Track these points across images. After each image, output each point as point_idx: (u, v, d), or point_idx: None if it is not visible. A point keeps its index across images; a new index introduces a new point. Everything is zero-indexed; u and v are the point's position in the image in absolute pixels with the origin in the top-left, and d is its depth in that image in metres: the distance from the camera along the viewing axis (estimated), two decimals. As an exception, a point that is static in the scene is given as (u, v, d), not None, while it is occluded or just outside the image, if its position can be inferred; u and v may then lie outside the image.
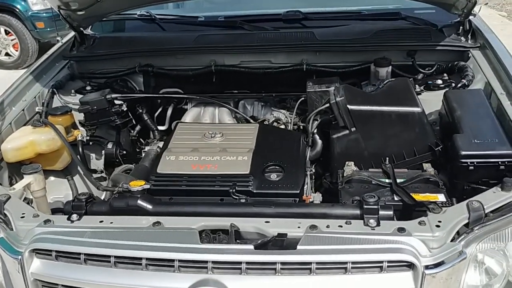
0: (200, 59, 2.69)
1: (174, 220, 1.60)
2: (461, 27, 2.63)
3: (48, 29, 8.10)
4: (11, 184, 2.18)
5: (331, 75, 2.53)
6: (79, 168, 2.47)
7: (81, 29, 2.85)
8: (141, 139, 2.73)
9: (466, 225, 1.52)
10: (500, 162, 1.79)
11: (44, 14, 7.91)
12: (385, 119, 2.02)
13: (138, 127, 2.71)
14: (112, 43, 2.88)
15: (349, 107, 2.03)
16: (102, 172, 2.44)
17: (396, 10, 2.78)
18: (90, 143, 2.48)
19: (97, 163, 2.50)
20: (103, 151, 2.43)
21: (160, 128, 2.71)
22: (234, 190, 1.81)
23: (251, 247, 1.47)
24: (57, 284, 1.60)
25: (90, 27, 2.98)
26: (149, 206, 1.69)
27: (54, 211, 2.07)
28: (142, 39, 2.86)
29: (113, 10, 2.77)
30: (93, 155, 2.53)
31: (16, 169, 2.24)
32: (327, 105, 2.08)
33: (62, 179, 2.41)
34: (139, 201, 1.69)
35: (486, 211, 1.54)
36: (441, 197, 1.75)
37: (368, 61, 2.55)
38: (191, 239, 1.51)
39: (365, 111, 2.04)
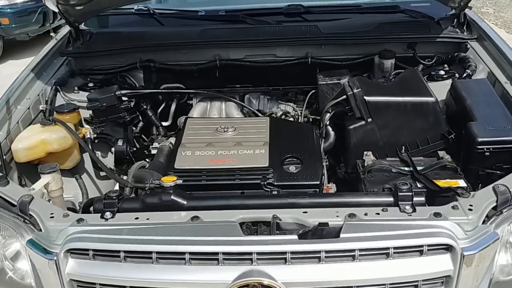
0: (204, 54, 2.68)
1: (211, 214, 1.60)
2: (455, 20, 2.73)
3: (13, 25, 7.84)
4: (20, 185, 2.12)
5: (336, 68, 2.58)
6: (88, 166, 2.44)
7: (77, 24, 2.79)
8: (143, 136, 2.70)
9: (494, 208, 1.60)
10: (514, 148, 1.89)
11: (9, 10, 7.65)
12: (401, 109, 2.09)
13: (140, 124, 2.67)
14: (110, 38, 2.82)
15: (366, 98, 2.08)
16: (111, 169, 2.40)
17: (394, 3, 2.85)
18: (96, 141, 2.44)
19: (103, 161, 2.45)
20: (112, 149, 2.40)
21: (164, 124, 2.69)
22: (265, 183, 1.83)
23: (295, 237, 1.49)
24: (94, 284, 1.58)
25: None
26: (183, 201, 1.68)
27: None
28: (142, 34, 2.81)
29: (111, 4, 2.73)
30: (98, 153, 2.49)
31: (25, 169, 2.18)
32: (344, 96, 2.12)
33: (69, 178, 2.36)
34: (173, 197, 1.68)
35: (512, 194, 1.62)
36: (461, 183, 1.82)
37: (371, 53, 2.61)
38: (233, 231, 1.52)
39: (381, 102, 2.09)
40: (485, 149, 1.90)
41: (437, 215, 1.53)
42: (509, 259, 1.64)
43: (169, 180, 1.71)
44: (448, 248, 1.50)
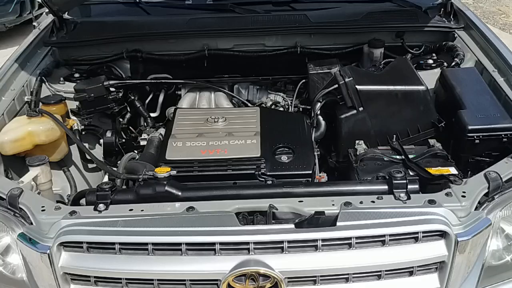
0: (192, 43, 2.64)
1: (207, 205, 1.59)
2: (442, 9, 2.75)
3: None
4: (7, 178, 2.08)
5: (325, 57, 2.58)
6: (76, 159, 2.41)
7: (61, 13, 2.72)
8: (130, 127, 2.66)
9: (485, 194, 1.62)
10: (503, 135, 1.92)
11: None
12: (392, 98, 2.10)
13: (128, 115, 2.64)
14: (96, 28, 2.76)
15: (358, 87, 2.08)
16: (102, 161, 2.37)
17: (382, -8, 2.86)
18: (83, 132, 2.40)
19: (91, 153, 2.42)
20: (100, 140, 2.36)
21: (152, 115, 2.66)
22: (259, 173, 1.82)
23: (292, 226, 1.49)
24: (89, 276, 1.56)
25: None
26: (178, 192, 1.67)
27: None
28: (128, 23, 2.76)
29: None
30: (86, 145, 2.44)
31: (11, 162, 2.13)
32: (335, 86, 2.12)
33: (57, 171, 2.32)
34: (167, 187, 1.66)
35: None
36: (452, 170, 1.84)
37: (360, 42, 2.62)
38: (229, 222, 1.51)
39: (373, 91, 2.10)
40: (475, 136, 1.92)
41: (431, 202, 1.55)
42: (500, 244, 1.67)
43: (162, 171, 1.69)
44: (442, 234, 1.52)
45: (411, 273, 1.54)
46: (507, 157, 1.75)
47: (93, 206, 1.61)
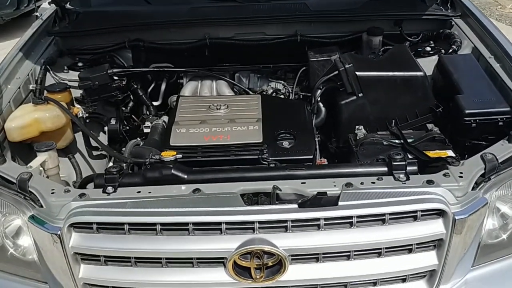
0: (193, 32, 2.68)
1: (212, 187, 1.64)
2: (439, -3, 2.80)
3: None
4: (14, 165, 2.12)
5: (325, 45, 2.62)
6: (80, 146, 2.45)
7: (63, 3, 2.76)
8: (133, 116, 2.70)
9: (482, 175, 1.67)
10: (499, 119, 1.97)
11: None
12: (391, 84, 2.14)
13: (131, 104, 2.67)
14: (98, 17, 2.81)
15: (358, 73, 2.13)
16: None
17: (381, -19, 2.89)
18: (88, 120, 2.44)
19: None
20: (105, 128, 2.40)
21: (154, 103, 2.69)
22: (262, 156, 1.86)
23: (295, 206, 1.54)
24: (99, 256, 1.61)
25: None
26: (183, 175, 1.71)
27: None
28: (129, 13, 2.80)
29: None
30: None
31: (18, 149, 2.18)
32: (336, 72, 2.16)
33: (62, 158, 2.36)
34: (173, 171, 1.70)
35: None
36: (450, 153, 1.89)
37: (359, 30, 2.66)
38: (235, 202, 1.56)
39: (372, 77, 2.14)
40: (472, 120, 1.98)
41: (429, 182, 1.60)
42: (496, 223, 1.73)
43: (168, 155, 1.74)
44: (440, 213, 1.57)
45: (410, 251, 1.60)
46: (503, 140, 1.80)
47: (101, 189, 1.66)
